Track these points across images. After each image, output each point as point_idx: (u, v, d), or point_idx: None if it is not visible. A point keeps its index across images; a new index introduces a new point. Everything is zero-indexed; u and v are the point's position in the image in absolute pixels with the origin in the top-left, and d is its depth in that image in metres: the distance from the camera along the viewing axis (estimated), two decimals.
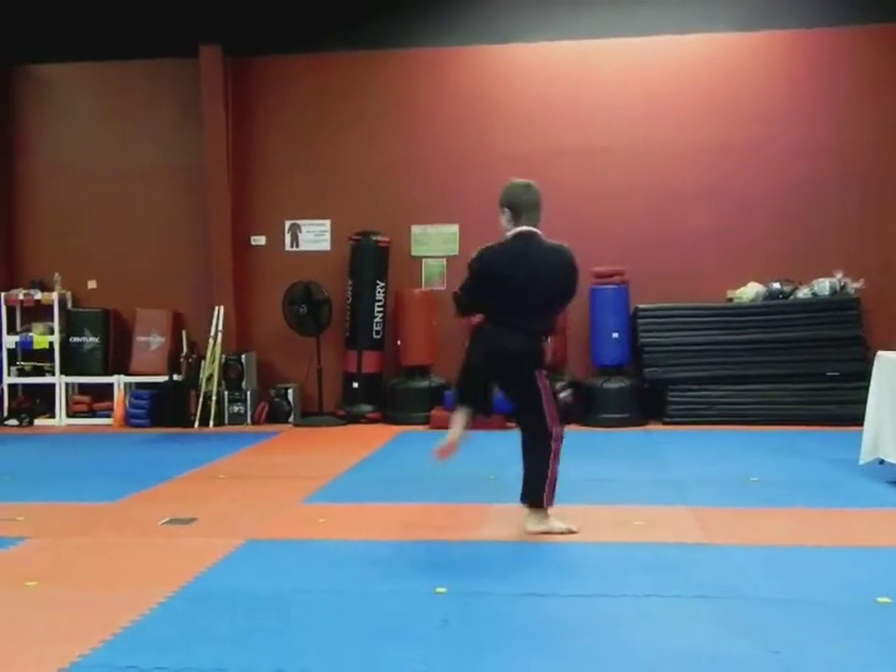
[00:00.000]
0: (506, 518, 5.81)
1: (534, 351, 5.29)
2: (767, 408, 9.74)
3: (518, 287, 5.21)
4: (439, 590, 4.34)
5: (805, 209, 10.39)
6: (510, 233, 5.33)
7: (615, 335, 10.05)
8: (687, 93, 10.59)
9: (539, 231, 5.37)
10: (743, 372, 9.83)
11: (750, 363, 9.83)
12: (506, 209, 5.35)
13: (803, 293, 9.96)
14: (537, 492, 5.32)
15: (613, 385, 9.98)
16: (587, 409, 10.00)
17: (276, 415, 10.76)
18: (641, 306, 10.18)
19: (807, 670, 3.40)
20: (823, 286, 9.89)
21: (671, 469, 7.52)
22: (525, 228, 5.33)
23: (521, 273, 5.22)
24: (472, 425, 5.48)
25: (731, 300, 10.20)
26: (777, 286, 10.00)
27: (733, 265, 10.35)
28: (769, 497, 6.29)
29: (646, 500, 6.24)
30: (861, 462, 6.81)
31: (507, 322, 5.25)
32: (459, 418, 5.42)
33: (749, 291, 10.08)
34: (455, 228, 10.93)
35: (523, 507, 5.38)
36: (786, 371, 9.77)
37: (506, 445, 8.30)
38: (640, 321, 10.12)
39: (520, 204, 5.33)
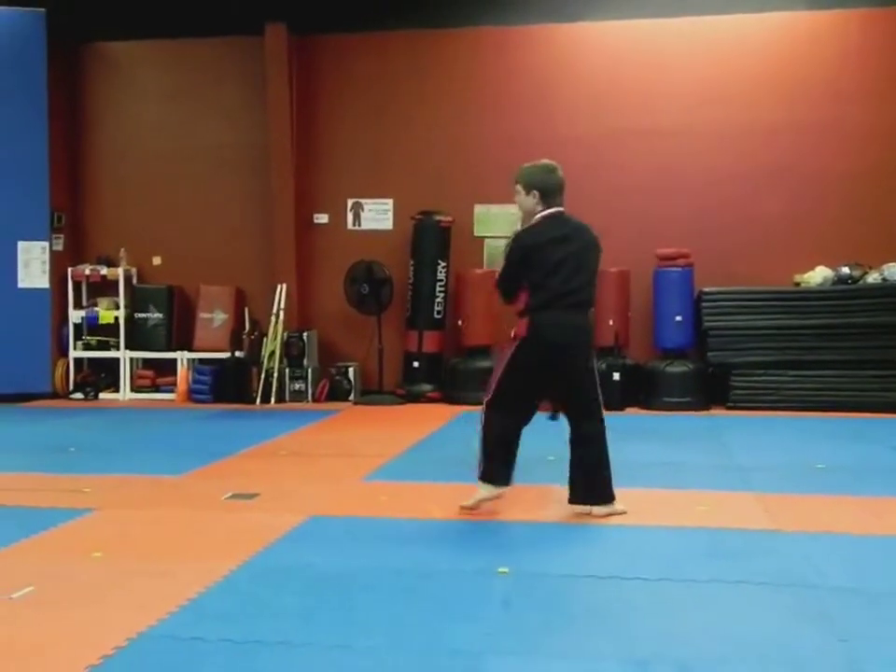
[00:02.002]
0: (566, 499, 5.79)
1: (591, 328, 5.44)
2: (833, 394, 9.56)
3: (569, 266, 5.20)
4: (501, 570, 4.32)
5: (876, 192, 10.17)
6: (540, 215, 5.26)
7: (679, 318, 9.94)
8: (757, 73, 10.39)
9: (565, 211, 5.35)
10: (809, 358, 9.66)
11: (817, 348, 9.65)
12: (535, 192, 5.26)
13: (872, 278, 9.76)
14: (610, 485, 5.32)
15: (676, 368, 9.88)
16: (650, 392, 9.92)
17: (337, 393, 10.81)
18: (706, 289, 10.04)
19: (875, 660, 3.34)
20: (894, 270, 9.67)
21: (735, 454, 7.43)
22: (556, 209, 5.29)
23: (570, 252, 5.22)
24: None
25: (798, 284, 10.03)
26: (845, 270, 9.80)
27: (800, 248, 10.17)
28: (836, 484, 6.19)
29: (709, 485, 6.17)
30: None
31: (565, 303, 5.20)
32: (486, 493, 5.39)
33: (817, 275, 9.89)
34: (517, 208, 10.83)
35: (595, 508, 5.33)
36: (854, 357, 9.58)
37: (564, 428, 8.25)
38: (705, 304, 9.99)
39: (549, 187, 5.29)
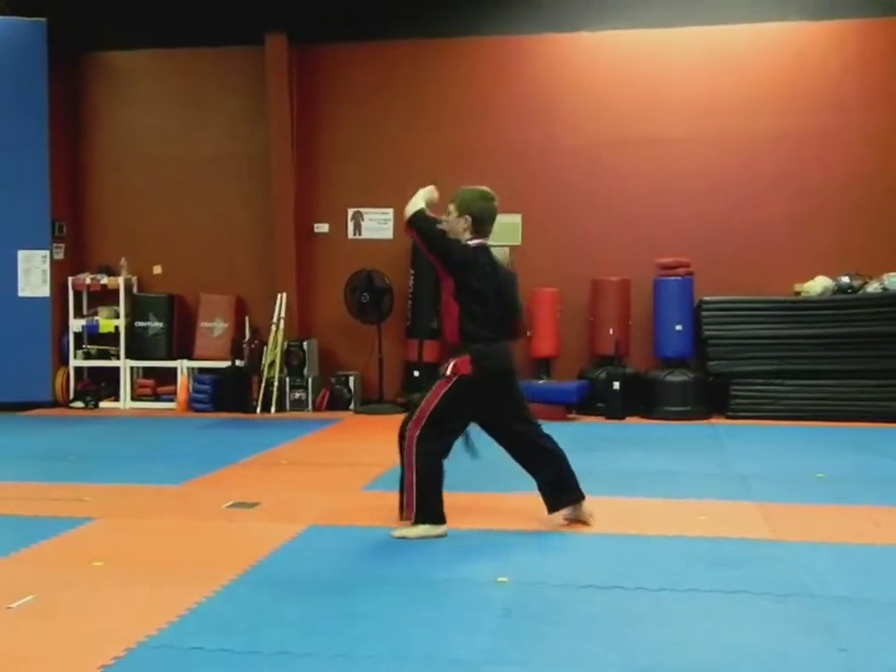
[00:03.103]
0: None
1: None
2: (834, 404, 9.55)
3: (500, 299, 5.14)
4: (500, 579, 4.32)
5: (876, 201, 10.17)
6: (473, 243, 5.13)
7: (678, 327, 9.93)
8: (757, 82, 10.40)
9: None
10: (809, 367, 9.66)
11: (817, 358, 9.65)
12: (468, 217, 5.12)
13: (873, 287, 9.76)
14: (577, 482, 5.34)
15: (676, 377, 9.87)
16: (650, 401, 9.92)
17: (337, 403, 10.80)
18: (706, 298, 10.04)
19: (876, 670, 3.33)
20: (894, 280, 9.67)
21: (735, 463, 7.42)
22: (485, 241, 5.21)
23: (499, 284, 5.17)
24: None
25: (798, 293, 10.03)
26: (845, 279, 9.80)
27: (800, 258, 10.17)
28: (837, 494, 6.18)
29: (709, 495, 6.16)
30: None
31: (499, 333, 5.14)
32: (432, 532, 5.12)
33: (817, 285, 9.90)
34: (517, 218, 10.87)
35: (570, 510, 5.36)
36: (854, 366, 9.58)
37: (565, 437, 8.24)
38: (705, 314, 9.98)
39: (484, 216, 5.18)
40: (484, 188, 5.30)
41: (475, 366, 5.05)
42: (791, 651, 3.49)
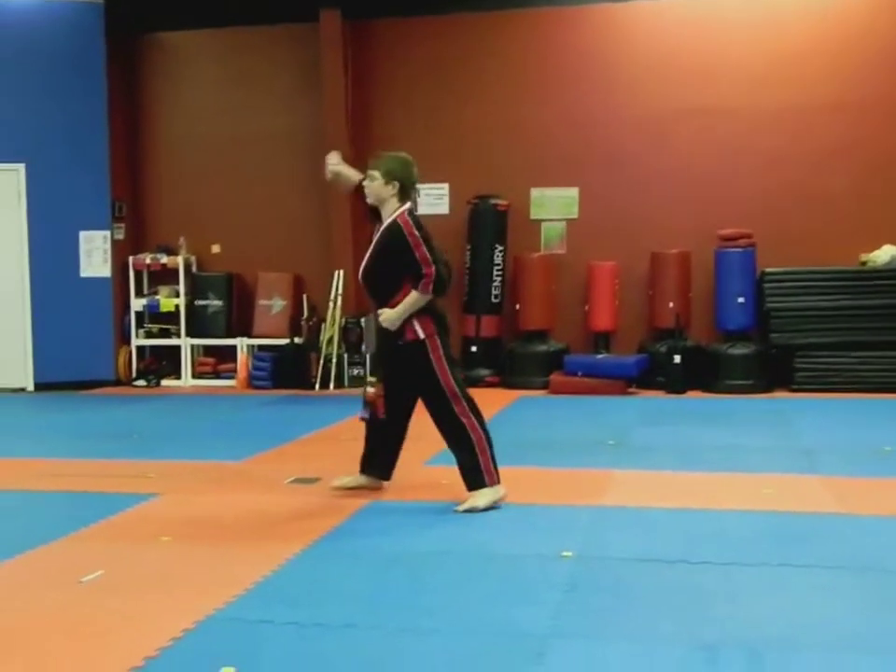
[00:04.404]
0: (629, 483, 5.75)
1: None
2: None
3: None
4: (565, 554, 4.29)
5: None
6: (404, 207, 5.21)
7: (741, 300, 9.79)
8: (819, 49, 10.18)
9: None
10: (875, 338, 9.48)
11: (883, 329, 9.47)
12: (395, 183, 5.20)
13: None
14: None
15: (738, 350, 9.75)
16: (711, 375, 9.80)
17: None
18: (768, 270, 9.89)
19: None
20: None
21: (800, 436, 7.31)
22: (412, 205, 5.29)
23: None
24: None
25: (864, 263, 9.83)
26: None
27: (866, 227, 9.96)
28: None
29: (775, 468, 6.07)
30: None
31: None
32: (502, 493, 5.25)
33: (884, 254, 9.69)
34: (574, 191, 10.78)
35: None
36: None
37: (626, 411, 8.21)
38: (767, 285, 9.83)
39: (410, 181, 5.26)
40: (405, 154, 5.38)
41: (438, 321, 5.57)
42: (864, 627, 3.42)
